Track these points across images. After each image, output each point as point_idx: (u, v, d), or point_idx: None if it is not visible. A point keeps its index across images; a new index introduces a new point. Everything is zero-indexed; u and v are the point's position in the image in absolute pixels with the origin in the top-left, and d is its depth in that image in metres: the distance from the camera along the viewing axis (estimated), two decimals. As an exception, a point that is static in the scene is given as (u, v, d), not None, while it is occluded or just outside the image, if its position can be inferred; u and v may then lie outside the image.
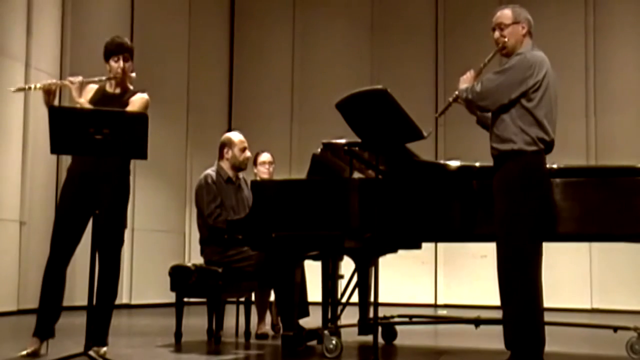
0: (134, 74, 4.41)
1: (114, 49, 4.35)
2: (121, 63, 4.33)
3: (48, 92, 4.22)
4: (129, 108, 4.26)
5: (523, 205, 3.71)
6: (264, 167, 5.93)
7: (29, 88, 4.38)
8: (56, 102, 4.35)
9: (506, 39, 3.87)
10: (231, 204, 5.26)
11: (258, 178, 5.82)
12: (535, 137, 3.74)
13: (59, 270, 4.25)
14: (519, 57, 3.80)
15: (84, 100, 4.24)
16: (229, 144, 5.39)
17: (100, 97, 4.33)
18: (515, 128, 3.75)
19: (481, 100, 3.83)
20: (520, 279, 3.69)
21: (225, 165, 5.38)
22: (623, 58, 9.40)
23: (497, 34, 3.91)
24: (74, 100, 4.28)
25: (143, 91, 4.43)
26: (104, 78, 4.36)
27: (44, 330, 4.23)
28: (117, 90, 4.39)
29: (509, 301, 3.73)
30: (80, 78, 4.28)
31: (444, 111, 4.08)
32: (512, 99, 3.75)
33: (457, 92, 3.95)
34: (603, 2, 9.51)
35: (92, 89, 4.38)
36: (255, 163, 5.93)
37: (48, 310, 4.25)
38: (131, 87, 4.46)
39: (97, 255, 3.88)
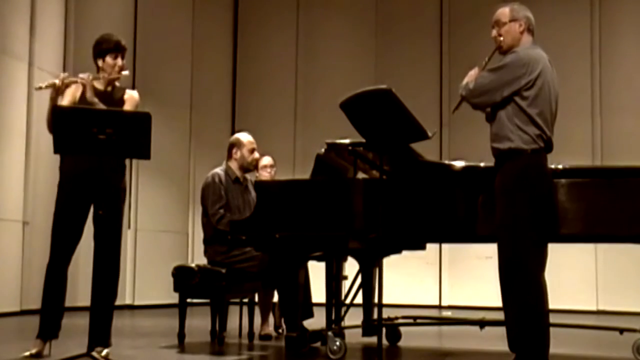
0: (126, 72, 4.38)
1: (112, 47, 4.31)
2: (119, 61, 4.30)
3: (57, 90, 4.18)
4: (125, 107, 4.23)
5: (522, 206, 3.68)
6: (266, 170, 5.93)
7: (52, 85, 4.22)
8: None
9: (502, 37, 3.86)
10: (237, 204, 5.27)
11: (260, 181, 5.80)
12: (534, 135, 3.71)
13: (60, 272, 4.23)
14: (512, 56, 3.79)
15: (96, 99, 4.17)
16: (237, 144, 5.41)
17: (92, 94, 4.24)
18: (511, 126, 3.73)
19: (473, 97, 3.83)
20: (521, 280, 3.66)
21: (234, 165, 5.39)
22: (629, 57, 9.36)
23: (494, 31, 3.90)
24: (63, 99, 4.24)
25: (132, 88, 4.41)
26: (106, 75, 4.32)
27: (48, 331, 4.22)
28: (108, 88, 4.35)
29: (510, 303, 3.71)
30: (90, 75, 4.25)
31: (458, 106, 4.05)
32: (505, 97, 3.74)
33: None
34: (609, 1, 9.47)
35: (79, 86, 4.30)
36: (256, 167, 5.94)
37: (51, 311, 4.24)
38: (117, 84, 4.42)
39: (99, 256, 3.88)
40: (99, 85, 4.35)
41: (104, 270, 4.14)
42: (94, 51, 4.35)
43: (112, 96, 4.31)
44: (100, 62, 4.33)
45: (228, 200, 5.21)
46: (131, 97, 4.35)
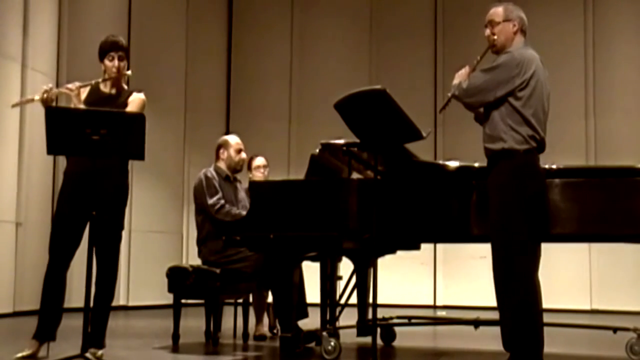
0: (129, 72, 4.35)
1: (108, 48, 4.29)
2: (116, 62, 4.27)
3: (46, 101, 4.15)
4: (128, 109, 4.22)
5: (515, 206, 3.69)
6: (259, 171, 5.94)
7: (30, 100, 4.26)
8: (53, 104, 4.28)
9: (495, 37, 3.87)
10: (231, 198, 5.30)
11: (253, 182, 5.81)
12: (527, 135, 3.73)
13: (59, 275, 4.20)
14: (506, 56, 3.80)
15: (84, 107, 4.16)
16: (224, 145, 5.46)
17: (96, 97, 4.26)
18: (504, 126, 3.74)
19: (467, 97, 3.84)
20: (515, 279, 3.67)
21: (222, 165, 5.44)
22: (623, 57, 9.39)
23: (487, 31, 3.91)
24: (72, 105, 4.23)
25: (139, 91, 4.38)
26: (99, 80, 4.31)
27: (45, 333, 4.20)
28: (113, 91, 4.34)
29: (504, 302, 3.72)
30: (77, 84, 4.22)
31: (445, 106, 4.06)
32: (498, 97, 3.75)
33: None
34: (602, 1, 9.50)
35: (85, 90, 4.30)
36: (249, 167, 5.97)
37: (49, 314, 4.22)
38: (126, 87, 4.42)
39: (94, 257, 3.86)
40: (105, 89, 4.34)
41: (102, 273, 4.13)
42: (98, 55, 4.35)
43: (116, 99, 4.29)
44: (103, 66, 4.32)
45: (223, 194, 5.23)
46: (134, 99, 4.30)
